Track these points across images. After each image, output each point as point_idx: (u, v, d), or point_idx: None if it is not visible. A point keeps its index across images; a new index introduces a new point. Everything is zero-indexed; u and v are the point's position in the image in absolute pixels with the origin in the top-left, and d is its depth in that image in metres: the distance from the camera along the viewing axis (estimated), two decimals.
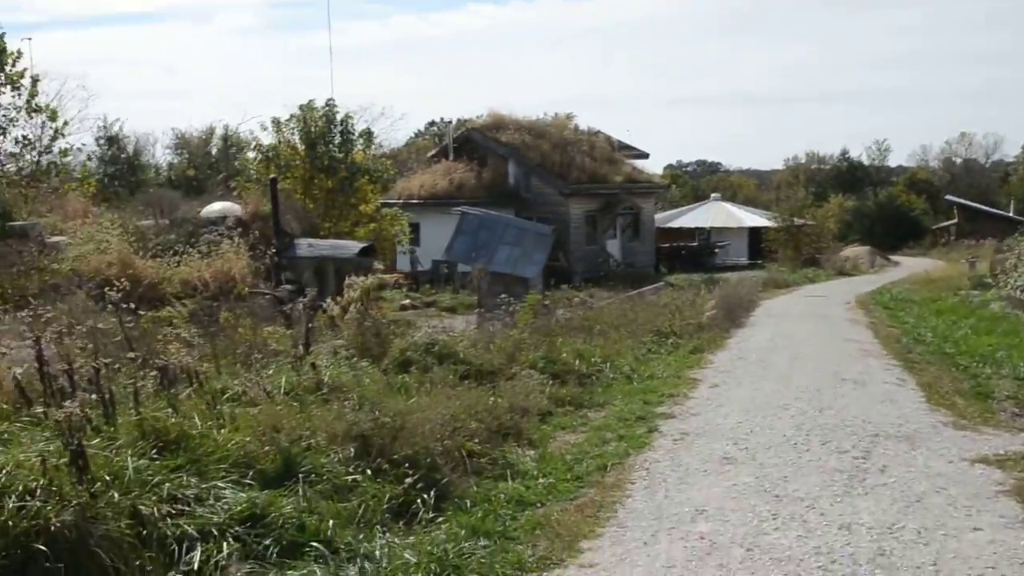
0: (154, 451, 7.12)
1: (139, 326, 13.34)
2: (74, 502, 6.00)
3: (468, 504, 7.56)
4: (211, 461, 7.17)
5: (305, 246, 23.26)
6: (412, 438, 8.17)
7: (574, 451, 9.45)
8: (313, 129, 25.87)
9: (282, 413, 8.45)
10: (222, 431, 7.70)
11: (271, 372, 10.57)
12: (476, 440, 8.97)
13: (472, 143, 36.51)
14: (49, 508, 5.89)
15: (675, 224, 51.54)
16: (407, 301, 27.51)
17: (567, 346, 14.52)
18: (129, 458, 6.65)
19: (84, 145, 32.80)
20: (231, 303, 17.84)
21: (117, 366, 9.36)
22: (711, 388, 13.14)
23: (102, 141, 40.66)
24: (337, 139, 25.94)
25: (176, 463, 7.00)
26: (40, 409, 7.98)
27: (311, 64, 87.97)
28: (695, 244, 48.68)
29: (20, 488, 5.99)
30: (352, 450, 7.81)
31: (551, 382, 12.33)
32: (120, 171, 39.67)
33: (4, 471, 6.15)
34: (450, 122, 38.63)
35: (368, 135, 27.59)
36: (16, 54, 29.65)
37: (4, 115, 29.63)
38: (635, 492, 8.00)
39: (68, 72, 58.09)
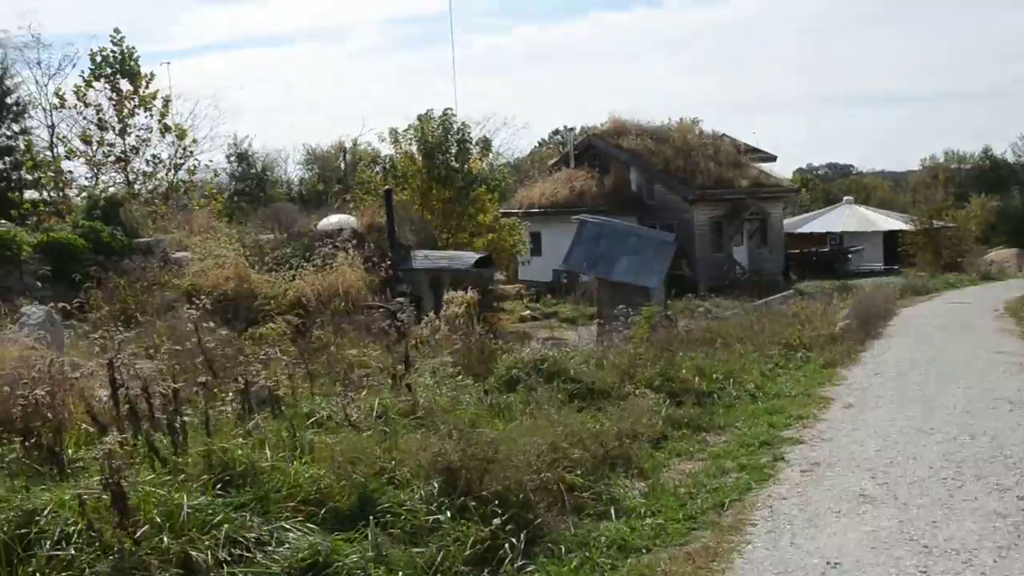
0: (220, 486, 6.47)
1: (239, 343, 12.93)
2: (115, 549, 5.37)
3: (563, 550, 6.64)
4: (280, 498, 6.46)
5: (421, 258, 22.75)
6: (504, 470, 7.30)
7: (688, 483, 8.40)
8: (430, 139, 25.40)
9: (365, 442, 7.71)
10: (297, 463, 6.99)
11: (364, 393, 9.89)
12: (578, 471, 8.05)
13: (593, 150, 35.59)
14: (84, 556, 5.26)
15: (805, 229, 49.26)
16: (527, 312, 26.79)
17: (687, 361, 13.40)
18: (186, 496, 5.98)
19: (211, 162, 33.40)
20: (343, 317, 17.42)
21: (203, 387, 8.82)
22: (845, 409, 11.83)
23: (233, 158, 41.38)
24: (454, 149, 25.41)
25: (241, 500, 6.31)
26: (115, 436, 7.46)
27: (437, 78, 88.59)
28: (827, 250, 46.35)
29: (56, 533, 5.38)
30: (436, 485, 6.98)
31: (667, 402, 11.27)
32: (249, 187, 40.23)
33: (42, 513, 5.56)
34: (572, 129, 37.69)
35: (485, 144, 27.00)
36: (149, 76, 30.35)
37: (139, 136, 30.33)
38: (756, 537, 6.92)
39: (203, 93, 59.50)
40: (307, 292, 19.28)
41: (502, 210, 31.01)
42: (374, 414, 9.16)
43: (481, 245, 26.26)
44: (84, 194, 25.94)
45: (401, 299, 20.84)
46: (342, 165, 50.39)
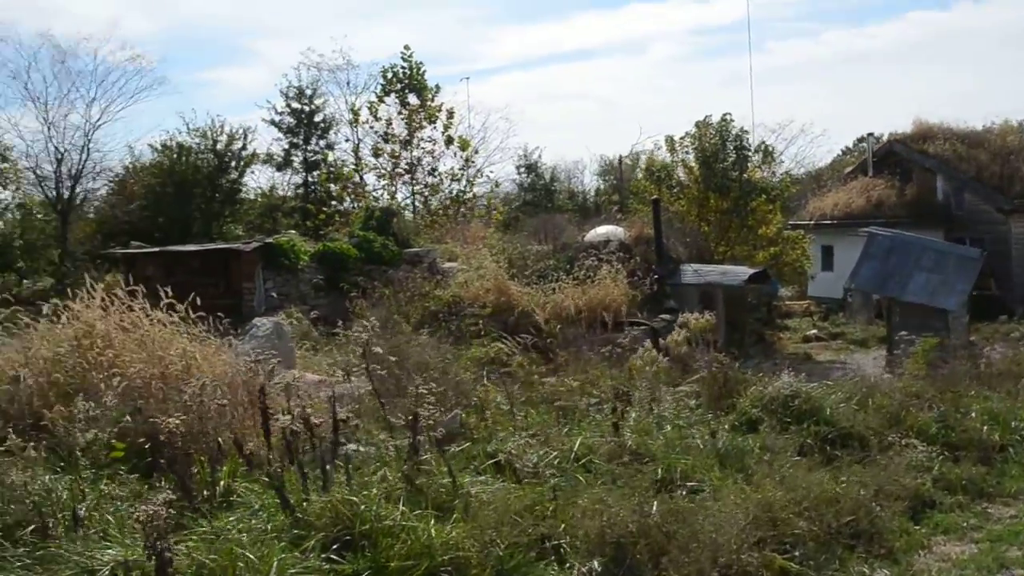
0: (337, 546, 5.42)
1: (459, 360, 12.06)
2: None
3: None
4: (401, 569, 5.30)
5: (691, 272, 21.09)
6: (692, 547, 5.74)
7: None
8: (707, 146, 23.67)
9: (535, 497, 6.41)
10: (434, 523, 5.81)
11: (567, 431, 8.61)
12: (797, 552, 6.31)
13: (894, 156, 32.11)
14: None
15: None
16: (813, 332, 24.39)
17: (978, 403, 10.95)
18: (276, 561, 4.96)
19: (491, 173, 33.40)
20: (597, 334, 16.22)
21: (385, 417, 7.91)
22: None
23: (522, 169, 41.41)
24: (731, 156, 23.53)
25: (351, 569, 5.22)
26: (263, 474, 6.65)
27: (738, 87, 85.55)
28: None
29: None
30: (597, 565, 5.56)
31: (941, 456, 9.06)
32: (537, 197, 40.06)
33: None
34: (871, 135, 34.31)
35: (766, 151, 24.84)
36: (435, 90, 30.74)
37: (424, 148, 30.78)
38: None
39: (495, 106, 60.67)
40: (566, 305, 18.27)
41: (791, 222, 28.58)
42: (572, 456, 7.88)
43: (762, 259, 24.14)
44: (363, 205, 26.48)
45: (666, 316, 19.40)
46: (639, 175, 49.40)
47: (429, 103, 30.78)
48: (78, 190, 33.13)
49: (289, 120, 35.18)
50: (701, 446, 8.58)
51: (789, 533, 6.43)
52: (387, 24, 63.60)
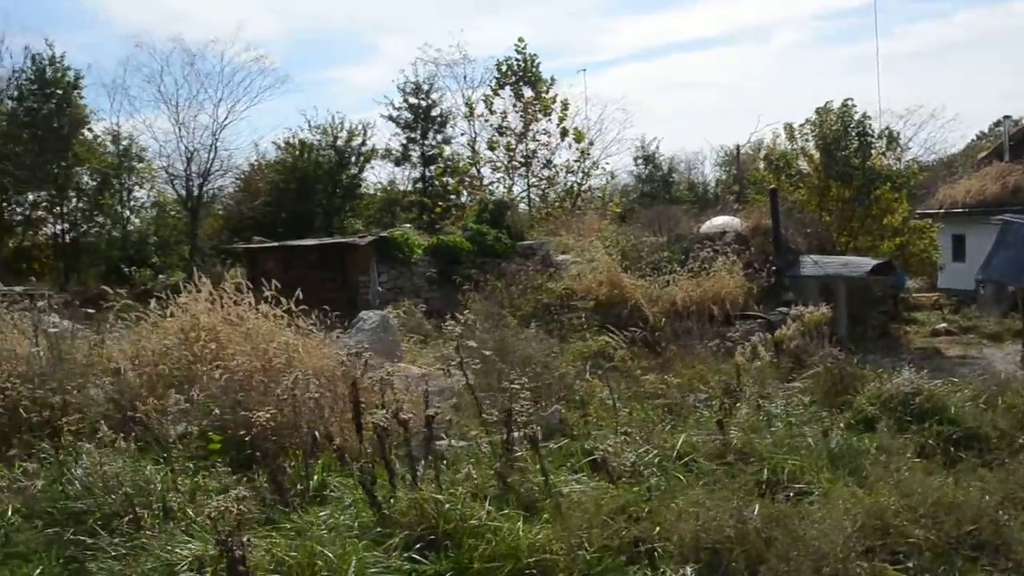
0: (421, 545, 5.28)
1: (565, 354, 11.79)
2: None
3: None
4: (485, 570, 5.12)
5: (810, 263, 20.31)
6: (792, 555, 5.38)
7: None
8: (828, 133, 22.76)
9: (627, 498, 6.14)
10: (522, 523, 5.60)
11: (670, 428, 8.29)
12: (912, 562, 5.86)
13: None
14: None
15: None
16: (942, 326, 23.23)
17: None
18: (355, 559, 4.84)
19: (607, 165, 33.03)
20: (716, 326, 15.77)
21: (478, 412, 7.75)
22: None
23: (640, 161, 40.89)
24: (854, 144, 22.56)
25: (435, 569, 5.06)
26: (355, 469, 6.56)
27: (865, 73, 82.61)
28: None
29: None
30: (690, 571, 5.26)
31: None
32: (654, 189, 39.50)
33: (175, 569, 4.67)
34: (1008, 118, 32.54)
35: (890, 137, 23.72)
36: (550, 82, 30.54)
37: (538, 140, 30.63)
38: None
39: (612, 97, 60.08)
40: (680, 298, 17.83)
41: (919, 211, 27.33)
42: (674, 455, 7.57)
43: (887, 250, 23.12)
44: (479, 199, 26.49)
45: (784, 309, 18.73)
46: (761, 166, 48.23)
47: (544, 95, 30.59)
48: (206, 187, 34.20)
49: (407, 115, 35.53)
50: (812, 445, 8.14)
51: (903, 542, 5.98)
52: (504, 18, 63.74)
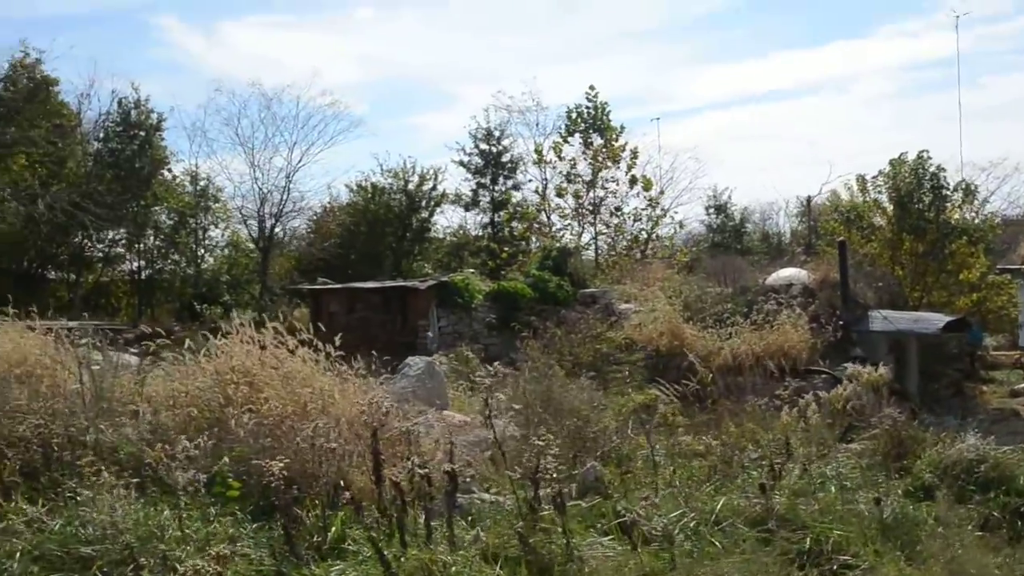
0: None
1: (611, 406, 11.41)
2: None
3: None
4: None
5: (879, 319, 19.60)
6: None
7: None
8: (901, 185, 22.10)
9: (651, 564, 5.76)
10: None
11: (708, 488, 7.87)
12: None
13: None
14: None
15: None
16: (1022, 386, 22.20)
17: None
18: None
19: (676, 214, 32.62)
20: (778, 381, 15.22)
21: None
22: None
23: (711, 210, 40.33)
24: (927, 197, 21.86)
25: None
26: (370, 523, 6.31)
27: (949, 124, 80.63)
28: None
29: None
30: None
31: None
32: (725, 239, 38.87)
33: None
34: None
35: (967, 190, 22.94)
36: (619, 129, 30.38)
37: (606, 188, 30.40)
38: None
39: (684, 146, 59.66)
40: (743, 351, 17.31)
41: (1000, 266, 26.31)
42: (711, 519, 7.15)
43: (963, 306, 22.28)
44: (542, 246, 26.32)
45: (849, 364, 18.05)
46: (802, 217, 47.26)
47: (613, 143, 30.41)
48: (278, 228, 34.66)
49: (477, 161, 35.62)
50: (865, 514, 7.64)
51: None
52: (581, 68, 63.88)
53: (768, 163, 67.33)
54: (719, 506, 7.36)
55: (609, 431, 9.84)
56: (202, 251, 34.40)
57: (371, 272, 30.05)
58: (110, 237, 32.07)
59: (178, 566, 5.56)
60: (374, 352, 10.79)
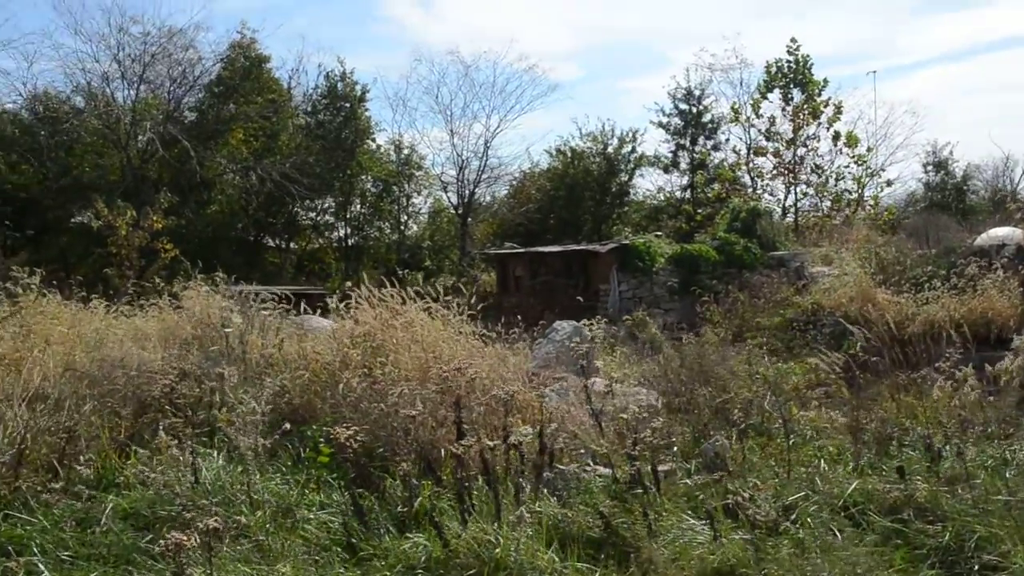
0: None
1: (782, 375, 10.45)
2: None
3: None
4: None
5: None
6: None
7: None
8: None
9: (735, 555, 5.10)
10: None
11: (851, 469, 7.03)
12: None
13: None
14: None
15: None
16: None
17: None
18: None
19: (885, 172, 30.33)
20: (978, 352, 13.73)
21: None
22: None
23: (930, 168, 37.25)
24: None
25: None
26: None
27: None
28: None
29: None
30: None
31: None
32: (945, 198, 35.81)
33: None
34: None
35: None
36: (822, 83, 28.61)
37: (813, 149, 28.76)
38: None
39: (902, 101, 55.63)
40: (938, 318, 15.74)
41: None
42: (839, 506, 6.35)
43: None
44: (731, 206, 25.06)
45: None
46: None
47: (815, 98, 28.57)
48: (477, 194, 34.96)
49: (676, 122, 34.54)
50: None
51: None
52: (789, 22, 60.66)
53: (1004, 117, 61.64)
54: (850, 490, 6.53)
55: (756, 402, 9.01)
56: (405, 217, 35.21)
57: (571, 237, 29.80)
58: (319, 206, 33.33)
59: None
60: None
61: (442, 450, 6.63)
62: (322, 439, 6.62)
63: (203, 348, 9.64)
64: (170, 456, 5.95)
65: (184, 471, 6.19)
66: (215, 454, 6.68)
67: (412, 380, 7.86)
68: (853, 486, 6.60)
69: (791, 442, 7.60)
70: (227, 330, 8.99)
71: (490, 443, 6.02)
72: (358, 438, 5.94)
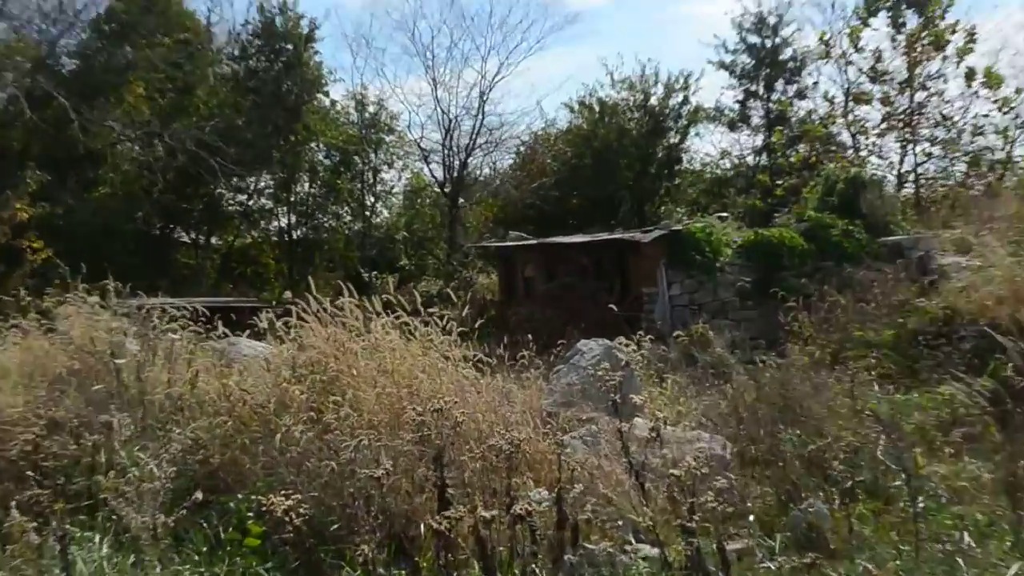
0: None
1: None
2: None
3: None
4: None
5: None
6: None
7: None
8: None
9: None
10: None
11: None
12: None
13: None
14: None
15: None
16: None
17: None
18: None
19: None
20: None
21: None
22: None
23: None
24: None
25: None
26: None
27: None
28: None
29: None
30: None
31: None
32: None
33: None
34: None
35: None
36: (946, 3, 28.63)
37: (937, 92, 28.77)
38: None
39: None
40: None
41: None
42: None
43: None
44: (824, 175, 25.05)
45: None
46: None
47: (938, 22, 28.60)
48: (470, 166, 34.99)
49: (745, 60, 34.56)
50: None
51: None
52: None
53: None
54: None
55: (866, 450, 8.91)
56: (372, 200, 35.25)
57: (603, 221, 29.83)
58: (252, 185, 33.39)
59: None
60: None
61: (421, 525, 6.53)
62: (251, 513, 6.59)
63: (84, 388, 9.57)
64: (27, 544, 5.79)
65: (49, 565, 6.08)
66: (97, 539, 6.58)
67: (379, 427, 7.80)
68: (1013, 571, 6.45)
69: (919, 507, 7.48)
70: (119, 361, 8.91)
71: (487, 514, 5.94)
72: (302, 510, 5.87)
